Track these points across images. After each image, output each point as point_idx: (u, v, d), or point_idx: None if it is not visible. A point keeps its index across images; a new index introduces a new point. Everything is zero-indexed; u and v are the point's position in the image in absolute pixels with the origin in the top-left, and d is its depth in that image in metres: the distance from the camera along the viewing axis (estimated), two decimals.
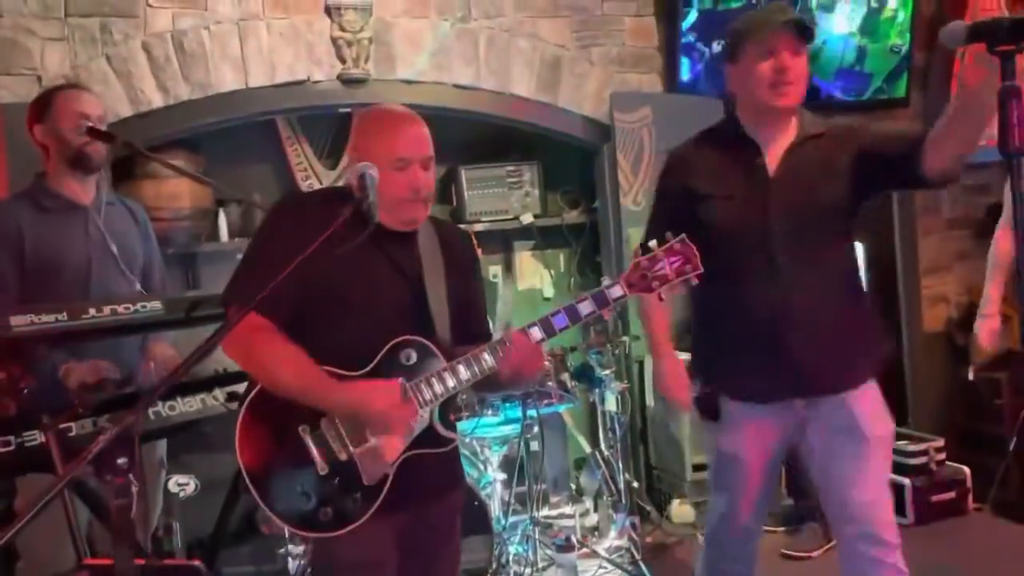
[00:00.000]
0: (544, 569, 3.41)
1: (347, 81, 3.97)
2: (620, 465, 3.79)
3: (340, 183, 3.69)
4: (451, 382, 1.90)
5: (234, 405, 2.23)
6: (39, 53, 3.57)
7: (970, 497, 4.06)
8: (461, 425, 3.35)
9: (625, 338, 4.02)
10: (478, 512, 3.19)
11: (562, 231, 4.74)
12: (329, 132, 4.38)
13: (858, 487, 2.23)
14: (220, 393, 2.49)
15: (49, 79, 3.50)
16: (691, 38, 4.33)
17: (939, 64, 4.63)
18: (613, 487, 3.77)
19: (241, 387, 2.22)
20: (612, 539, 3.63)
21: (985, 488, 3.94)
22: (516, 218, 4.54)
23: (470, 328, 2.06)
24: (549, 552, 3.48)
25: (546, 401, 3.52)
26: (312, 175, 4.37)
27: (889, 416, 2.32)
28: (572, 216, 4.72)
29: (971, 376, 4.06)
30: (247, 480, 1.85)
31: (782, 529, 3.91)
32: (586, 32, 4.38)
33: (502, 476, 3.54)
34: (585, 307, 1.93)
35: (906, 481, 3.88)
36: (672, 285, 1.93)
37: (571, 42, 4.35)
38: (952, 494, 4.01)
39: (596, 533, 3.71)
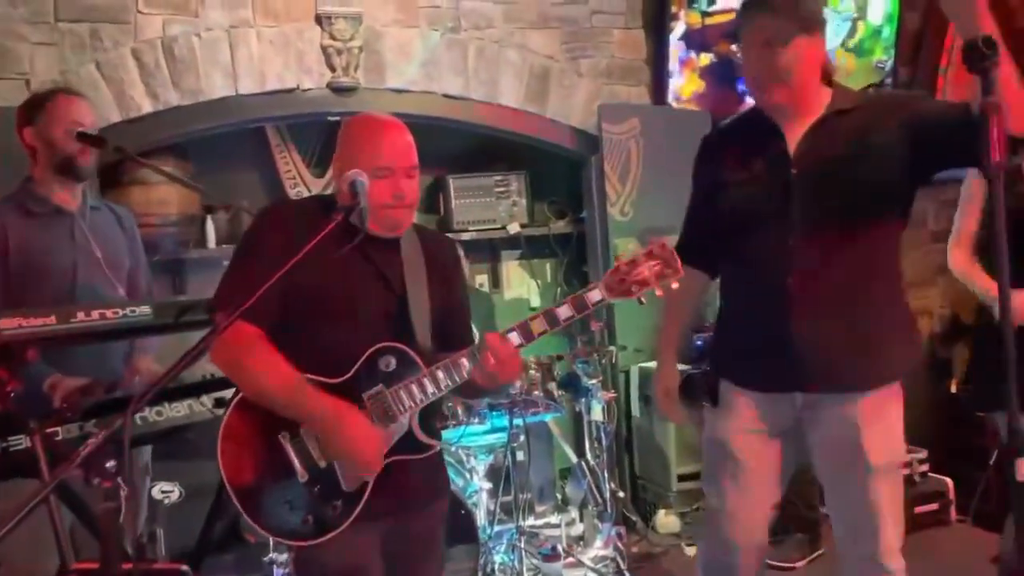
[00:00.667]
0: None
1: (337, 89, 3.98)
2: (606, 475, 3.79)
3: (329, 191, 3.70)
4: (430, 388, 1.91)
5: (221, 411, 2.22)
6: (28, 58, 3.56)
7: (953, 509, 4.11)
8: (447, 434, 3.34)
9: (611, 348, 4.03)
10: (464, 521, 3.18)
11: (549, 241, 4.76)
12: (318, 140, 4.38)
13: (864, 511, 2.14)
14: (208, 399, 2.48)
15: (38, 84, 3.50)
16: (680, 51, 4.36)
17: (924, 80, 4.68)
18: (599, 497, 3.77)
19: (228, 393, 2.22)
20: (598, 549, 3.62)
21: (968, 500, 3.96)
22: (503, 228, 4.56)
23: (454, 335, 2.06)
24: (535, 561, 3.48)
25: (532, 410, 3.52)
26: (300, 183, 4.37)
27: (901, 437, 2.17)
28: (559, 226, 4.73)
29: (954, 389, 4.08)
30: (227, 487, 1.85)
31: None
32: (575, 44, 4.41)
33: (488, 485, 3.53)
34: (564, 311, 1.93)
35: None
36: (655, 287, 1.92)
37: (560, 53, 4.38)
38: (935, 506, 4.05)
39: (582, 543, 3.70)
